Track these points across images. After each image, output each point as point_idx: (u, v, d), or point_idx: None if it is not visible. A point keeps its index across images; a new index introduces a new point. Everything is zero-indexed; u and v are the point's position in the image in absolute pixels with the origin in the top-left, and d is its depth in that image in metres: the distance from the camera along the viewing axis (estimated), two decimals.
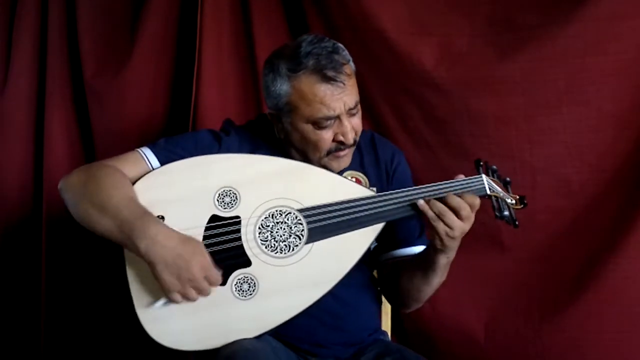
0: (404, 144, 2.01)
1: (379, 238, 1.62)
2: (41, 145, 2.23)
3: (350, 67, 1.56)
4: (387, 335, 1.77)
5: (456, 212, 1.43)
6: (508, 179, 1.61)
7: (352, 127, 1.55)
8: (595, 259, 1.87)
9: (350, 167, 1.64)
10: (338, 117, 1.53)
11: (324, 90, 1.50)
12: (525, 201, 1.58)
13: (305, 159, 1.60)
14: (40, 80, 2.26)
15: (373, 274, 1.74)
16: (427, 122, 2.01)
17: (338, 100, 1.51)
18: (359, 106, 1.57)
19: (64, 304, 2.22)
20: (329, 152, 1.57)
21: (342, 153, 1.58)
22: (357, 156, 1.67)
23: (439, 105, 1.98)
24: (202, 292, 1.42)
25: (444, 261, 1.51)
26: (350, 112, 1.54)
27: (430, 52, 1.97)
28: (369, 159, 1.70)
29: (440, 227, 1.44)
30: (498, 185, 1.57)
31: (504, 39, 1.92)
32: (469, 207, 1.44)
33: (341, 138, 1.55)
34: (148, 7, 2.19)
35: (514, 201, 1.57)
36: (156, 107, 2.23)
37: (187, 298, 1.41)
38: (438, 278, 1.56)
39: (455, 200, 1.44)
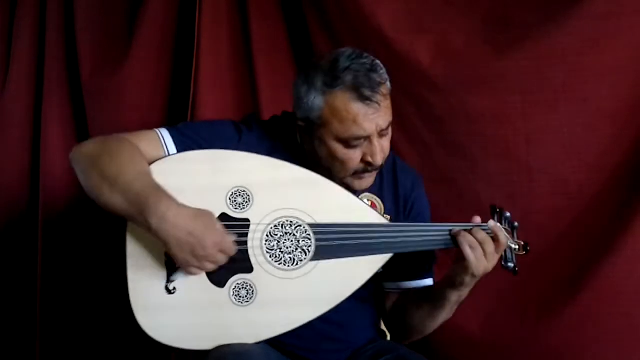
0: (400, 142, 2.00)
1: (388, 263, 1.60)
2: (38, 145, 2.24)
3: (386, 87, 1.51)
4: (387, 336, 1.76)
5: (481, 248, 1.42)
6: (516, 224, 1.56)
7: (382, 148, 1.50)
8: (593, 259, 1.85)
9: (367, 189, 1.60)
10: (368, 138, 1.48)
11: (358, 109, 1.45)
12: (529, 248, 1.54)
13: (328, 173, 1.54)
14: (39, 80, 2.26)
15: (375, 287, 1.71)
16: (424, 120, 2.00)
17: (371, 121, 1.46)
18: (390, 128, 1.53)
19: (60, 303, 2.21)
20: (354, 172, 1.53)
21: (367, 175, 1.54)
22: (377, 179, 1.63)
23: (435, 104, 1.97)
24: (218, 263, 1.40)
25: (455, 298, 1.50)
26: (381, 134, 1.50)
27: (427, 50, 1.96)
28: (388, 185, 1.65)
29: (472, 260, 1.42)
30: (508, 233, 1.53)
31: (500, 36, 1.91)
32: (493, 244, 1.43)
33: (369, 159, 1.49)
34: (146, 8, 2.19)
35: (517, 247, 1.54)
36: (153, 107, 2.22)
37: (204, 270, 1.40)
38: (445, 314, 1.54)
39: (481, 235, 1.43)
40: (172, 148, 1.52)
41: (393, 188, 1.66)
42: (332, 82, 1.47)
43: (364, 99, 1.45)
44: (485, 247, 1.42)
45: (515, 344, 1.93)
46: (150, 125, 2.16)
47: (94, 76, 2.22)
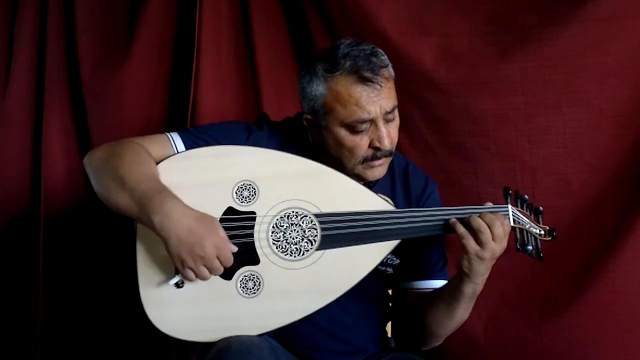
0: (403, 143, 2.00)
1: (399, 266, 1.61)
2: (39, 145, 2.22)
3: (388, 71, 1.52)
4: (393, 342, 1.77)
5: (490, 230, 1.41)
6: (541, 208, 1.57)
7: (389, 133, 1.50)
8: (595, 259, 1.87)
9: (380, 190, 1.60)
10: (374, 122, 1.48)
11: (360, 91, 1.46)
12: (555, 233, 1.54)
13: (339, 166, 1.54)
14: (39, 80, 2.24)
15: (387, 292, 1.72)
16: (427, 122, 2.01)
17: (374, 102, 1.47)
18: (396, 112, 1.53)
19: (61, 304, 2.20)
20: (364, 160, 1.52)
21: (377, 162, 1.53)
22: (389, 181, 1.64)
23: (438, 105, 1.98)
24: (214, 271, 1.39)
25: (469, 290, 1.47)
26: (386, 117, 1.50)
27: (430, 52, 1.97)
28: (400, 187, 1.66)
29: (471, 244, 1.41)
30: (526, 216, 1.53)
31: (503, 39, 1.92)
32: (502, 226, 1.41)
33: (377, 144, 1.49)
34: (146, 7, 2.17)
35: (542, 232, 1.53)
36: (154, 107, 2.21)
37: (200, 276, 1.39)
38: (461, 311, 1.52)
39: (489, 217, 1.42)
40: (182, 149, 1.53)
41: (404, 190, 1.66)
42: (332, 67, 1.49)
43: (365, 80, 1.46)
44: (493, 229, 1.41)
45: (519, 344, 1.94)
46: (151, 125, 2.19)
47: (94, 76, 2.20)
